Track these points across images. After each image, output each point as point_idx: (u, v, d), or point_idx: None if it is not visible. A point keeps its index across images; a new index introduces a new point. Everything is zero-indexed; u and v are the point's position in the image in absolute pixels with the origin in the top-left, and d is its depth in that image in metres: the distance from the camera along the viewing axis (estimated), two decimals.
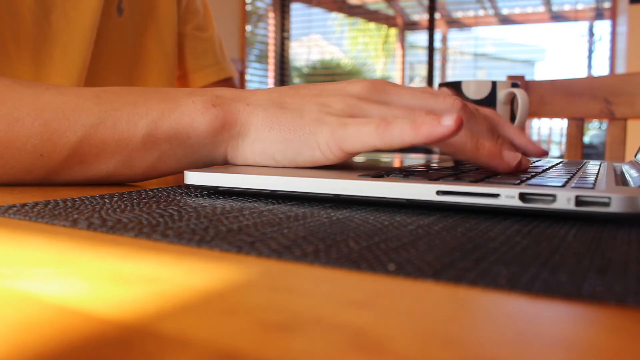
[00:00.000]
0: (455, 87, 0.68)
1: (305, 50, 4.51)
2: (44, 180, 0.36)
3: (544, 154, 0.48)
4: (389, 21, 4.43)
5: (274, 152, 0.36)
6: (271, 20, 4.10)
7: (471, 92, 0.67)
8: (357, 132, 0.34)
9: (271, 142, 0.36)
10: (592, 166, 0.47)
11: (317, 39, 4.48)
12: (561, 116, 1.08)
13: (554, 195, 0.25)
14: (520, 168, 0.36)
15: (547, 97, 1.07)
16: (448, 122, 0.32)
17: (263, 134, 0.36)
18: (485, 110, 0.44)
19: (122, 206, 0.27)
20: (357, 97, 0.38)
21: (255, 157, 0.37)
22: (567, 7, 3.85)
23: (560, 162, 0.55)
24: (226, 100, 0.37)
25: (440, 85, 0.71)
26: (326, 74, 4.59)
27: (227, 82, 0.79)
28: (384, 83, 0.39)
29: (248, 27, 3.82)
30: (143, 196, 0.31)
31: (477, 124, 0.39)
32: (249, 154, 0.37)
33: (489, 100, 0.66)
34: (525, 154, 0.48)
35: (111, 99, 0.36)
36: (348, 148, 0.34)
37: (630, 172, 0.40)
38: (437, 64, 3.86)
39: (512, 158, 0.37)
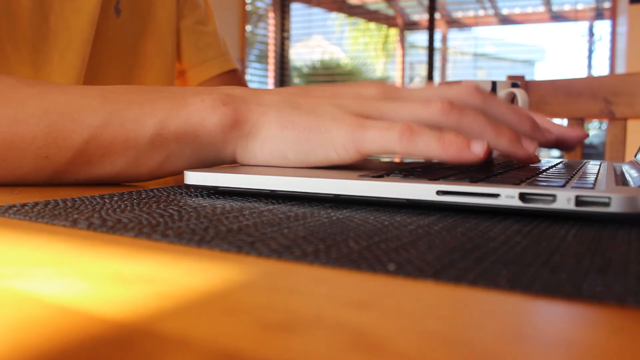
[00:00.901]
0: None
1: (306, 51, 4.51)
2: (49, 181, 0.36)
3: (584, 135, 0.48)
4: (389, 21, 4.43)
5: (287, 151, 0.36)
6: (271, 20, 4.10)
7: None
8: (378, 136, 0.33)
9: (283, 141, 0.36)
10: (592, 166, 0.47)
11: (317, 39, 4.48)
12: (561, 116, 1.08)
13: (554, 195, 0.25)
14: (534, 159, 0.37)
15: (547, 97, 1.07)
16: (477, 149, 0.31)
17: (275, 133, 0.36)
18: (520, 109, 0.43)
19: (122, 206, 0.27)
20: (372, 99, 0.37)
21: (266, 156, 0.37)
22: (567, 7, 3.85)
23: (560, 162, 0.55)
24: (236, 99, 0.37)
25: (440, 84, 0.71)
26: (326, 74, 4.59)
27: (232, 74, 0.78)
28: (396, 85, 0.40)
29: (248, 27, 3.82)
30: (143, 196, 0.31)
31: (495, 108, 0.38)
32: (258, 153, 0.37)
33: None
34: (565, 140, 0.47)
35: (117, 98, 0.36)
36: (365, 150, 0.34)
37: (630, 172, 0.40)
38: (437, 64, 3.86)
39: (530, 145, 0.37)
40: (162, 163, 0.37)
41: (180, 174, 0.39)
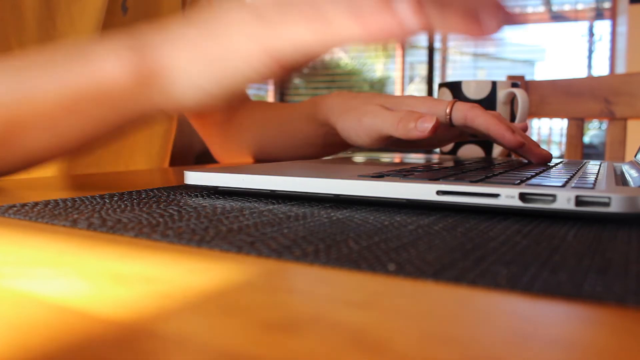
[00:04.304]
0: (455, 87, 0.68)
1: None
2: None
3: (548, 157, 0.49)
4: None
5: (202, 83, 0.33)
6: None
7: (471, 92, 0.67)
8: (285, 31, 0.29)
9: (196, 73, 0.33)
10: (592, 166, 0.47)
11: None
12: (561, 116, 1.08)
13: (554, 195, 0.25)
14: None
15: (547, 97, 1.07)
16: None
17: (189, 67, 0.33)
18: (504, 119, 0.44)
19: (122, 206, 0.27)
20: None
21: (186, 94, 0.34)
22: (567, 7, 3.85)
23: (560, 162, 0.55)
24: (144, 45, 0.34)
25: (440, 85, 0.71)
26: (326, 74, 4.58)
27: None
28: None
29: None
30: (143, 196, 0.31)
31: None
32: (179, 94, 0.34)
33: (489, 100, 0.66)
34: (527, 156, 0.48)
35: (24, 66, 0.34)
36: (276, 53, 0.30)
37: (630, 172, 0.40)
38: (437, 64, 3.86)
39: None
40: (84, 128, 0.35)
41: (108, 140, 0.37)
